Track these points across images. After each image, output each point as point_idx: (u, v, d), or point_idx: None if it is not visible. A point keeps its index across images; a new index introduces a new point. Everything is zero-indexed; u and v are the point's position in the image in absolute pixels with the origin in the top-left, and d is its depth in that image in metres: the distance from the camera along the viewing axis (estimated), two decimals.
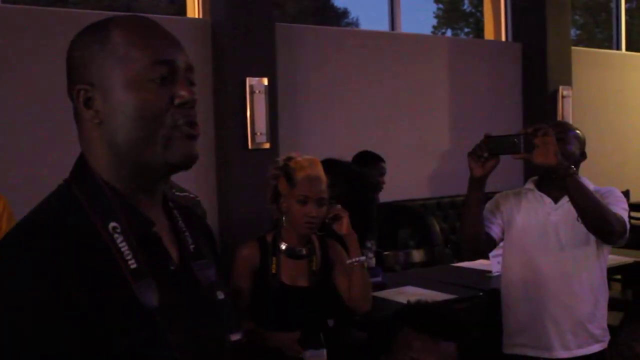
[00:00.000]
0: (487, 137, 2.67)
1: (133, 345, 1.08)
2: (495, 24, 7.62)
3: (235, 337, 1.29)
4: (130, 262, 1.11)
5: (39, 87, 4.61)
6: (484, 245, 2.94)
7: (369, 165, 4.72)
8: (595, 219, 2.69)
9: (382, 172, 4.72)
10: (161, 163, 1.16)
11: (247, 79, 5.25)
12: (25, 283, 1.03)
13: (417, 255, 4.59)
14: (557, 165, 2.61)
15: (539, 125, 2.65)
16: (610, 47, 8.85)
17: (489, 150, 2.64)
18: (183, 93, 1.16)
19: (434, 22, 9.92)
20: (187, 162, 1.18)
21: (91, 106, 1.16)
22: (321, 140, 5.78)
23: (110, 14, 1.26)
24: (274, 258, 2.80)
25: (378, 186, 4.67)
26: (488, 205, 2.97)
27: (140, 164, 1.16)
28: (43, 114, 4.61)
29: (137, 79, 1.14)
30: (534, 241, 2.90)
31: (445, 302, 3.35)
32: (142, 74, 1.14)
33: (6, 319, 1.02)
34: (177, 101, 1.15)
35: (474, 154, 2.67)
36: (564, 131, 2.90)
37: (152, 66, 1.14)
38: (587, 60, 7.80)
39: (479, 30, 9.52)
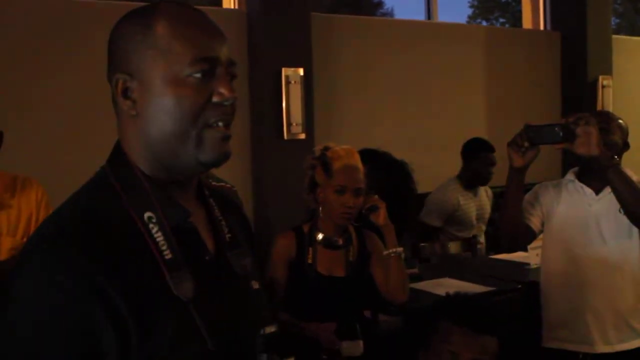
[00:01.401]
0: (528, 127, 2.61)
1: (167, 336, 1.07)
2: (534, 12, 7.50)
3: (269, 329, 1.27)
4: (165, 253, 1.10)
5: (75, 76, 4.64)
6: (524, 238, 2.89)
7: (476, 154, 4.69)
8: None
9: (491, 162, 4.65)
10: (193, 161, 1.15)
11: (283, 69, 5.25)
12: (59, 276, 1.02)
13: (454, 247, 4.54)
14: (599, 156, 2.55)
15: (581, 115, 2.59)
16: None
17: (530, 140, 2.59)
18: (223, 91, 1.14)
19: (469, 11, 9.84)
20: (218, 161, 1.17)
21: (129, 96, 1.15)
22: (357, 130, 5.75)
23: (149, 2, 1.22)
24: (310, 248, 2.79)
25: (484, 177, 4.65)
26: (527, 196, 2.91)
27: (172, 160, 1.15)
28: (81, 102, 4.64)
29: (177, 74, 1.12)
30: (575, 233, 2.84)
31: (484, 294, 3.31)
32: (183, 69, 1.12)
33: (41, 311, 1.02)
34: (215, 99, 1.13)
35: (514, 144, 2.62)
36: (607, 120, 2.83)
37: (194, 62, 1.12)
38: (627, 49, 7.64)
39: (514, 20, 9.42)
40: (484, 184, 4.75)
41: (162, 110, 1.12)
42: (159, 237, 1.11)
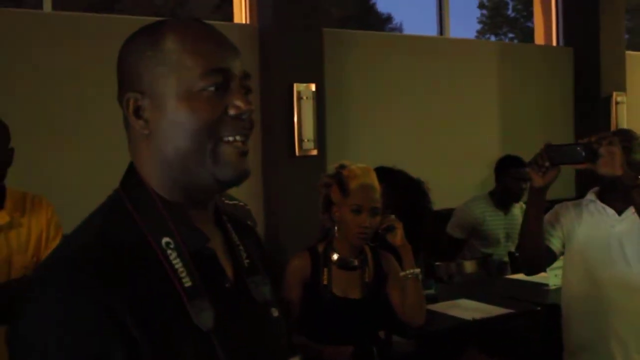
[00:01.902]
0: (548, 146, 2.57)
1: None
2: (546, 28, 7.48)
3: None
4: (184, 280, 1.06)
5: (88, 93, 4.63)
6: (544, 259, 2.83)
7: (506, 170, 4.66)
8: None
9: (521, 178, 4.58)
10: (210, 179, 1.10)
11: (295, 85, 5.23)
12: (75, 307, 0.97)
13: (469, 266, 4.48)
14: (623, 176, 2.50)
15: (603, 134, 2.55)
16: None
17: (550, 159, 2.55)
18: (238, 103, 1.09)
19: (478, 27, 9.87)
20: (237, 179, 1.12)
21: (141, 116, 1.10)
22: (368, 146, 5.74)
23: (157, 19, 1.18)
24: (325, 269, 2.77)
25: (514, 193, 4.60)
26: (547, 217, 2.85)
27: (190, 179, 1.10)
28: (91, 120, 4.63)
29: (190, 89, 1.08)
30: (597, 255, 2.78)
31: (503, 316, 3.25)
32: (195, 83, 1.08)
33: (56, 342, 0.96)
34: (231, 112, 1.09)
35: (535, 164, 2.58)
36: (628, 139, 2.78)
37: (205, 75, 1.08)
38: None
39: (523, 35, 9.42)
40: (516, 200, 4.69)
41: (176, 127, 1.08)
42: (178, 263, 1.06)
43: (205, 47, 1.10)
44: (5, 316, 1.02)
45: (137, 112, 1.11)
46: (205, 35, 1.12)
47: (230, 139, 1.09)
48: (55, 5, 4.99)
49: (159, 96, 1.09)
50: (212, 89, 1.08)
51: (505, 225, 4.69)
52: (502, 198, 4.71)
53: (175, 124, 1.08)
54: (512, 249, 4.67)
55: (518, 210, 4.75)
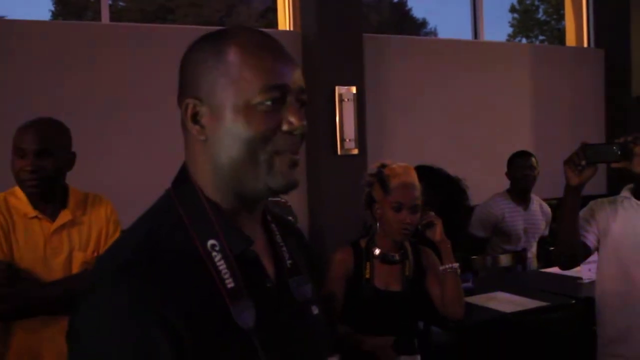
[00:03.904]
0: (585, 146, 2.52)
1: None
2: (577, 30, 7.35)
3: (332, 359, 1.20)
4: (227, 282, 1.04)
5: (144, 98, 4.68)
6: (580, 254, 2.77)
7: (511, 163, 4.62)
8: None
9: (524, 165, 4.54)
10: (262, 187, 1.09)
11: (337, 88, 5.23)
12: (123, 305, 0.97)
13: (504, 260, 4.41)
14: None
15: (638, 134, 2.48)
16: None
17: (587, 158, 2.51)
18: (292, 120, 1.07)
19: (509, 30, 9.77)
20: (287, 189, 1.11)
21: (198, 121, 1.09)
22: (406, 145, 5.73)
23: (210, 29, 1.15)
24: (367, 263, 2.76)
25: (521, 181, 4.52)
26: (582, 213, 2.79)
27: (241, 185, 1.09)
28: (148, 123, 4.68)
29: (248, 102, 1.06)
30: (630, 251, 2.71)
31: (539, 309, 3.19)
32: (253, 97, 1.06)
33: (107, 339, 0.96)
34: (285, 128, 1.07)
35: (571, 163, 2.53)
36: None
37: (264, 90, 1.06)
38: None
39: (553, 38, 9.28)
40: (525, 188, 4.57)
41: (231, 137, 1.06)
42: (222, 265, 1.05)
43: (265, 62, 1.08)
44: (67, 308, 1.02)
45: (195, 117, 1.09)
46: (266, 49, 1.09)
47: (284, 150, 1.08)
48: (113, 18, 5.05)
49: (217, 105, 1.07)
50: (269, 103, 1.06)
51: (524, 222, 4.58)
52: (515, 191, 4.61)
53: (231, 133, 1.06)
54: (533, 245, 4.59)
55: (537, 206, 4.65)
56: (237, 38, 1.09)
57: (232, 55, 1.07)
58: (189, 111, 1.09)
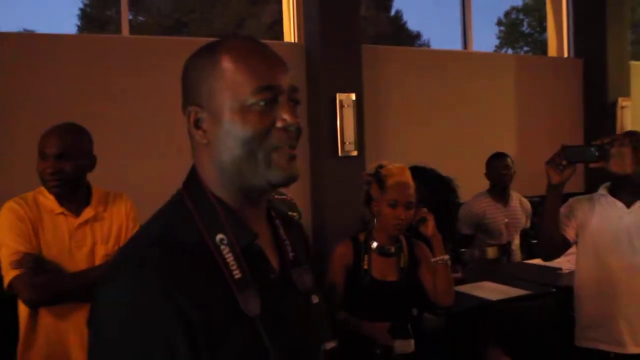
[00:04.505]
0: (565, 147, 2.51)
1: (236, 351, 1.01)
2: (558, 41, 7.34)
3: (330, 345, 1.19)
4: (235, 273, 1.04)
5: (159, 106, 4.68)
6: (560, 247, 2.76)
7: (488, 165, 4.58)
8: None
9: (498, 165, 4.51)
10: (263, 182, 1.08)
11: (337, 95, 5.23)
12: (142, 297, 0.97)
13: (491, 252, 4.40)
14: (633, 174, 2.42)
15: (615, 136, 2.49)
16: None
17: (567, 158, 2.49)
18: (285, 117, 1.07)
19: (496, 41, 9.78)
20: (287, 182, 1.10)
21: (200, 126, 1.09)
22: (403, 147, 5.72)
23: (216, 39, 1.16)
24: (365, 255, 2.75)
25: (497, 179, 4.49)
26: (562, 209, 2.78)
27: (244, 181, 1.09)
28: (163, 130, 4.68)
29: (243, 104, 1.06)
30: (607, 244, 2.70)
31: (522, 297, 3.18)
32: (247, 99, 1.06)
33: (125, 325, 0.97)
34: (279, 124, 1.07)
35: (553, 163, 2.51)
36: (638, 140, 2.69)
37: (257, 91, 1.06)
38: None
39: (536, 48, 9.27)
40: (503, 187, 4.51)
41: (230, 137, 1.06)
42: (229, 257, 1.05)
43: (257, 66, 1.07)
44: (90, 296, 1.02)
45: (197, 123, 1.09)
46: (257, 54, 1.09)
47: (280, 145, 1.07)
48: (132, 31, 5.05)
49: (216, 109, 1.07)
50: (262, 103, 1.06)
51: (505, 217, 4.55)
52: (495, 190, 4.56)
53: (230, 134, 1.06)
54: (515, 238, 4.56)
55: (516, 202, 4.62)
56: (230, 46, 1.09)
57: (226, 62, 1.07)
58: (192, 118, 1.10)
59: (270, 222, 1.20)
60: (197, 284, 1.00)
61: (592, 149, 2.46)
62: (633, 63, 7.23)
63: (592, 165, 2.50)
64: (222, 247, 1.05)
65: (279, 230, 1.20)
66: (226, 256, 1.05)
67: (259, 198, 1.14)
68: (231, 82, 1.06)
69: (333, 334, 1.21)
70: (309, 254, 1.31)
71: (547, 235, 2.69)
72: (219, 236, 1.06)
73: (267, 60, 1.09)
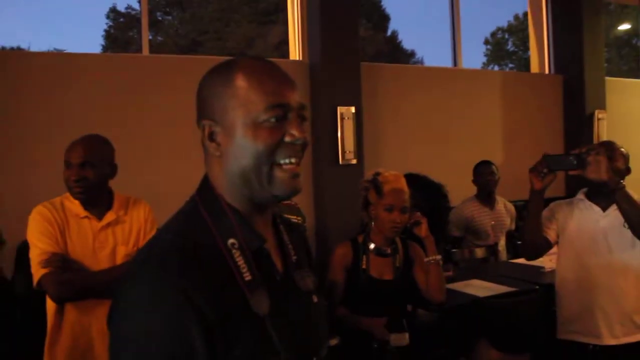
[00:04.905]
0: (546, 156, 2.50)
1: (248, 349, 0.99)
2: (540, 59, 7.33)
3: (333, 342, 1.17)
4: (245, 275, 1.02)
5: (178, 118, 4.68)
6: (542, 248, 2.74)
7: (475, 171, 4.57)
8: None
9: (485, 172, 4.51)
10: (267, 194, 1.07)
11: (338, 108, 5.23)
12: (159, 293, 0.95)
13: (479, 252, 4.38)
14: (608, 181, 2.41)
15: (592, 146, 2.47)
16: (636, 77, 8.36)
17: (548, 166, 2.49)
18: (294, 132, 1.06)
19: (484, 59, 9.80)
20: (290, 196, 1.09)
21: (214, 139, 1.08)
22: (397, 156, 5.71)
23: (230, 58, 1.15)
24: (364, 256, 2.74)
25: (485, 185, 4.48)
26: (544, 213, 2.76)
27: (251, 192, 1.07)
28: (181, 142, 4.67)
29: (255, 120, 1.04)
30: (585, 244, 2.68)
31: (508, 294, 3.16)
32: (259, 115, 1.04)
33: (144, 321, 0.95)
34: (287, 139, 1.05)
35: (535, 170, 2.50)
36: (612, 149, 2.68)
37: (268, 109, 1.04)
38: (618, 88, 7.38)
39: (520, 65, 9.27)
40: (489, 190, 4.50)
41: (242, 150, 1.05)
42: (240, 260, 1.03)
43: (269, 85, 1.06)
44: (111, 293, 1.01)
45: (211, 136, 1.08)
46: (269, 74, 1.08)
47: (286, 161, 1.06)
48: (152, 50, 5.06)
49: (229, 124, 1.06)
50: (273, 120, 1.05)
51: (491, 219, 4.53)
52: (482, 195, 4.54)
53: (242, 147, 1.05)
54: (501, 239, 4.54)
55: (502, 205, 4.60)
56: (243, 65, 1.08)
57: (240, 81, 1.06)
58: (206, 131, 1.08)
59: (274, 227, 1.19)
60: (211, 284, 0.98)
61: (571, 158, 2.45)
62: (608, 79, 7.22)
63: (571, 172, 2.48)
64: (234, 250, 1.04)
65: (283, 235, 1.19)
66: (237, 259, 1.03)
67: (264, 207, 1.13)
68: (244, 99, 1.05)
69: (335, 331, 1.19)
70: (309, 257, 1.29)
71: (530, 237, 2.67)
72: (231, 240, 1.05)
73: (278, 79, 1.08)
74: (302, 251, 1.22)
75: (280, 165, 1.06)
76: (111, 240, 2.31)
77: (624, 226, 2.56)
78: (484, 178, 4.50)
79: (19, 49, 4.88)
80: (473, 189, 4.57)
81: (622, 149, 2.76)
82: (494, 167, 4.53)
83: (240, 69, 1.07)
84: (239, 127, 1.05)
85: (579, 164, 2.43)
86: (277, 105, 1.05)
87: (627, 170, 2.73)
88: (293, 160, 1.07)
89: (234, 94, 1.06)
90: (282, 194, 1.07)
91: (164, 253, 1.00)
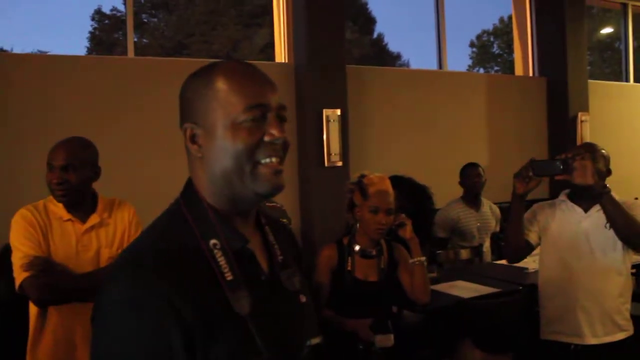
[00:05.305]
0: (532, 161, 2.52)
1: (227, 350, 0.99)
2: (524, 61, 7.39)
3: (315, 340, 1.17)
4: (227, 275, 1.03)
5: (163, 121, 4.66)
6: (524, 251, 2.76)
7: (462, 173, 4.59)
8: (628, 232, 2.51)
9: (472, 174, 4.54)
10: (250, 193, 1.08)
11: (324, 111, 5.23)
12: (140, 296, 0.95)
13: (464, 254, 4.40)
14: (594, 185, 2.43)
15: (577, 151, 2.49)
16: (618, 80, 8.45)
17: (534, 171, 2.50)
18: (273, 132, 1.07)
19: (469, 62, 9.84)
20: (272, 193, 1.09)
21: (195, 141, 1.09)
22: (384, 158, 5.73)
23: (212, 61, 1.16)
24: (349, 258, 2.73)
25: (471, 186, 4.50)
26: (526, 215, 2.78)
27: (234, 192, 1.08)
28: (165, 144, 4.66)
29: (234, 121, 1.05)
30: (567, 245, 2.70)
31: (492, 294, 3.18)
32: (238, 116, 1.05)
33: (122, 321, 0.95)
34: (267, 139, 1.06)
35: (520, 175, 2.52)
36: (593, 151, 2.70)
37: (247, 110, 1.06)
38: (600, 91, 7.46)
39: (505, 68, 9.33)
40: (476, 192, 4.54)
41: (222, 151, 1.06)
42: (222, 261, 1.04)
43: (247, 86, 1.07)
44: (94, 296, 1.01)
45: (193, 138, 1.09)
46: (248, 76, 1.09)
47: (267, 160, 1.07)
48: (137, 52, 5.04)
49: (210, 126, 1.07)
50: (251, 119, 1.06)
51: (477, 221, 4.55)
52: (468, 196, 4.56)
53: (222, 148, 1.06)
54: (486, 240, 4.56)
55: (487, 207, 4.63)
56: (223, 69, 1.09)
57: (220, 84, 1.07)
58: (188, 133, 1.09)
59: (260, 228, 1.19)
60: (192, 285, 0.99)
61: (557, 163, 2.46)
62: (591, 82, 7.30)
63: (557, 177, 2.50)
64: (215, 251, 1.04)
65: (268, 235, 1.19)
66: (219, 260, 1.04)
67: (249, 207, 1.13)
68: (224, 101, 1.06)
69: (319, 330, 1.18)
70: (298, 257, 1.29)
71: (512, 240, 2.69)
72: (212, 241, 1.05)
73: (257, 81, 1.09)
74: (289, 251, 1.23)
75: (261, 163, 1.06)
76: (95, 243, 2.30)
77: (606, 227, 2.58)
78: (471, 180, 4.53)
79: (2, 50, 4.83)
80: (458, 191, 4.59)
81: (603, 151, 2.78)
82: (480, 169, 4.56)
83: (221, 72, 1.09)
84: (219, 129, 1.06)
85: (565, 169, 2.45)
86: (255, 106, 1.06)
87: (608, 172, 2.75)
88: (274, 159, 1.07)
89: (214, 96, 1.07)
90: (265, 191, 1.07)
91: (145, 255, 1.01)
